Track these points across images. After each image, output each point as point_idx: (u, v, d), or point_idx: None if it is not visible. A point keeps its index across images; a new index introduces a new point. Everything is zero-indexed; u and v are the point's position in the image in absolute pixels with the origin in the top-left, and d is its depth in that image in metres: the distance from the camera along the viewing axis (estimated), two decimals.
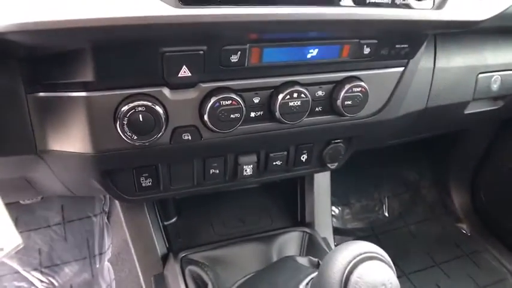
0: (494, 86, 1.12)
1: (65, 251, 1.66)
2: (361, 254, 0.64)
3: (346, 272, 0.62)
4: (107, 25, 0.57)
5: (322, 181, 1.32)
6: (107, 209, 1.73)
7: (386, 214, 2.07)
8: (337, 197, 2.02)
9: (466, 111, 1.16)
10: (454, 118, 1.21)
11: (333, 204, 2.04)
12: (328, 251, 1.15)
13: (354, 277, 0.62)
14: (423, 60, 0.98)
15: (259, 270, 1.04)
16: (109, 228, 1.71)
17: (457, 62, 1.05)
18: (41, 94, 0.71)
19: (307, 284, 0.79)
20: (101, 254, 1.68)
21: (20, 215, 1.66)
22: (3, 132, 0.73)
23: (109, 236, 1.69)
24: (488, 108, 1.20)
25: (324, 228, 1.29)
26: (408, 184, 2.15)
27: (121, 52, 0.65)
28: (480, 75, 1.09)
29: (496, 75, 1.12)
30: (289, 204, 1.37)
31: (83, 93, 0.69)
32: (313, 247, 1.20)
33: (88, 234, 1.70)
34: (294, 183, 1.34)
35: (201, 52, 0.69)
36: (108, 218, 1.73)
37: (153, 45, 0.66)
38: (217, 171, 0.93)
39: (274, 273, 0.95)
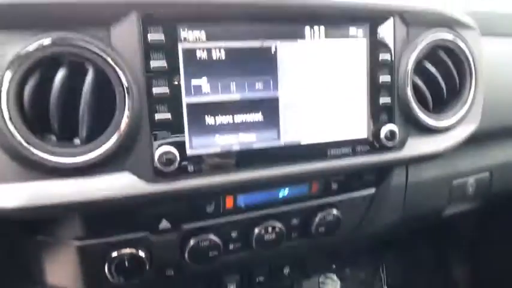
0: (470, 189, 1.18)
1: None
2: None
3: None
4: (91, 203, 0.65)
5: None
6: None
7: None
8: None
9: (444, 214, 1.21)
10: (432, 220, 1.26)
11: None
12: None
13: None
14: (395, 177, 1.05)
15: None
16: None
17: (429, 173, 1.11)
18: (39, 237, 0.80)
19: None
20: None
21: None
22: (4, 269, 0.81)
23: None
24: (467, 208, 1.25)
25: None
26: (407, 257, 2.16)
27: (106, 216, 0.74)
28: (454, 182, 1.15)
29: (471, 179, 1.18)
30: None
31: (76, 242, 0.77)
32: None
33: None
34: None
35: (178, 209, 0.77)
36: None
37: (134, 209, 0.74)
38: None
39: None
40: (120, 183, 0.66)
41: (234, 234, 0.86)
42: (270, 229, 0.86)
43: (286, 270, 1.05)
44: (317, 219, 0.90)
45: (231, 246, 0.87)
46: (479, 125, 0.96)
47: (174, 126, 0.68)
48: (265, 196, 0.84)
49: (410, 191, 1.08)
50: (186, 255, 0.82)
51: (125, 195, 0.66)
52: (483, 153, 1.20)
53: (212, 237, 0.82)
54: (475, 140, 1.02)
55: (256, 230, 0.86)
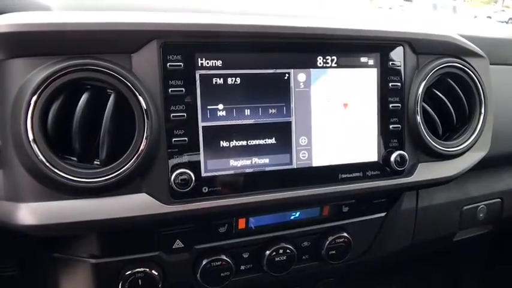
0: (481, 215, 1.18)
1: None
2: None
3: None
4: (108, 223, 0.68)
5: None
6: None
7: None
8: None
9: (455, 239, 1.21)
10: (443, 245, 1.26)
11: None
12: None
13: None
14: (405, 201, 1.06)
15: None
16: None
17: (440, 198, 1.12)
18: (55, 254, 0.82)
19: None
20: None
21: None
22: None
23: None
24: (477, 233, 1.25)
25: None
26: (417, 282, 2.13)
27: (122, 235, 0.76)
28: (465, 208, 1.16)
29: (482, 205, 1.18)
30: None
31: (91, 260, 0.80)
32: None
33: None
34: None
35: (192, 229, 0.79)
36: None
37: (150, 229, 0.77)
38: None
39: None
40: (137, 204, 0.68)
41: (245, 256, 0.88)
42: (281, 251, 0.88)
43: None
44: (327, 242, 0.91)
45: (242, 267, 0.89)
46: (489, 151, 0.97)
47: (190, 149, 0.71)
48: (277, 218, 0.86)
49: (421, 215, 1.09)
50: (198, 275, 0.83)
51: (141, 216, 0.68)
52: (494, 179, 1.21)
53: (224, 257, 0.84)
54: (485, 166, 1.03)
55: (267, 252, 0.87)
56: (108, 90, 0.67)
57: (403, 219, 1.06)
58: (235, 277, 0.87)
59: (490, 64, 0.97)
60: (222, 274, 0.84)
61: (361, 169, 0.83)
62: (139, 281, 0.79)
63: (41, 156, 0.63)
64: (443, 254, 1.72)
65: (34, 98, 0.62)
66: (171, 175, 0.69)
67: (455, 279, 2.00)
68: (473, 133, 0.93)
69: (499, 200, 1.21)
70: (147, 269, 0.80)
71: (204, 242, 0.83)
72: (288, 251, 0.88)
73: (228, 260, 0.84)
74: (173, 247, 0.80)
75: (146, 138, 0.67)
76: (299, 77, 0.77)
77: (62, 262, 0.83)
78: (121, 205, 0.68)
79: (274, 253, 0.87)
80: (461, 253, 1.71)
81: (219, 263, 0.84)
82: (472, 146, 0.93)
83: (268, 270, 0.88)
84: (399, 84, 0.85)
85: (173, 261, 0.82)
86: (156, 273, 0.80)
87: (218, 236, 0.83)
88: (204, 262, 0.83)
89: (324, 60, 0.78)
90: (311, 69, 0.78)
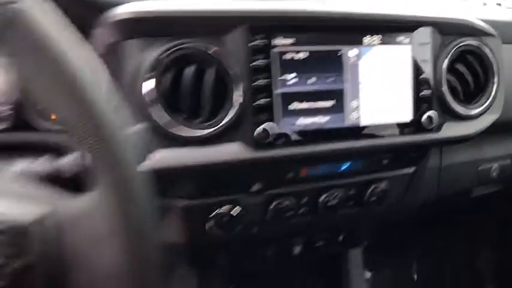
0: (494, 174, 1.38)
1: None
2: None
3: None
4: (211, 166, 0.88)
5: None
6: None
7: (415, 277, 2.24)
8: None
9: (472, 195, 1.42)
10: (463, 200, 1.47)
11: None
12: None
13: None
14: (431, 160, 1.26)
15: None
16: None
17: (459, 158, 1.32)
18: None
19: None
20: None
21: None
22: None
23: None
24: (492, 190, 1.46)
25: None
26: (436, 248, 2.31)
27: (211, 179, 0.97)
28: (480, 167, 1.36)
29: (495, 165, 1.38)
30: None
31: (184, 201, 1.00)
32: None
33: None
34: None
35: (266, 175, 1.00)
36: None
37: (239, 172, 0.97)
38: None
39: None
40: (232, 151, 0.89)
41: (304, 200, 1.08)
42: (332, 197, 1.08)
43: (340, 238, 1.27)
44: (369, 191, 1.12)
45: (302, 210, 1.09)
46: (501, 115, 1.17)
47: (268, 110, 0.91)
48: (331, 169, 1.07)
49: (444, 172, 1.29)
50: (269, 214, 1.04)
51: (235, 160, 0.89)
52: (505, 142, 1.40)
53: (289, 200, 1.04)
54: (497, 130, 1.22)
55: (322, 197, 1.08)
56: (207, 63, 0.87)
57: (429, 175, 1.26)
58: (296, 218, 1.08)
59: (502, 43, 1.17)
60: (286, 214, 1.05)
61: (399, 127, 1.03)
62: (223, 218, 1.00)
63: (159, 116, 0.83)
64: (462, 213, 1.90)
65: (151, 74, 0.82)
66: (255, 129, 0.90)
67: (472, 243, 2.18)
68: (488, 99, 1.13)
69: (509, 161, 1.41)
70: (230, 209, 1.01)
71: (274, 187, 1.04)
72: (338, 196, 1.09)
73: (292, 203, 1.05)
74: (251, 190, 1.01)
75: (236, 101, 0.88)
76: (350, 52, 0.97)
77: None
78: (220, 151, 0.88)
79: (327, 198, 1.08)
80: (478, 212, 1.91)
81: (285, 205, 1.04)
82: (487, 110, 1.13)
83: (322, 212, 1.09)
84: (428, 59, 1.05)
85: (250, 203, 1.03)
86: (236, 213, 1.01)
87: (285, 182, 1.04)
88: (273, 204, 1.04)
89: (370, 39, 0.98)
90: (360, 46, 0.98)
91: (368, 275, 2.24)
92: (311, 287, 1.63)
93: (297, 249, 1.22)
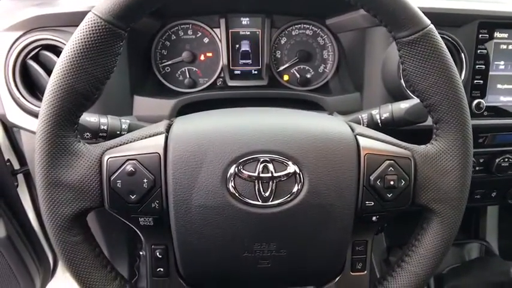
0: None
1: None
2: None
3: None
4: None
5: None
6: None
7: None
8: None
9: None
10: None
11: None
12: None
13: None
14: None
15: None
16: None
17: None
18: None
19: None
20: None
21: None
22: None
23: None
24: None
25: None
26: None
27: None
28: None
29: None
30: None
31: None
32: None
33: None
34: None
35: None
36: None
37: None
38: None
39: None
40: None
41: (481, 161, 1.35)
42: (505, 159, 1.35)
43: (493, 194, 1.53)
44: (497, 160, 1.35)
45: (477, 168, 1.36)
46: None
47: (483, 88, 1.18)
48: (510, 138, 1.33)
49: None
50: None
51: None
52: None
53: None
54: None
55: (497, 160, 1.34)
56: None
57: None
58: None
59: None
60: None
61: None
62: None
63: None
64: None
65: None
66: (472, 102, 1.17)
67: None
68: None
69: None
70: None
71: None
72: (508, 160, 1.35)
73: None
74: None
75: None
76: None
77: None
78: None
79: (501, 161, 1.35)
80: None
81: None
82: None
83: (495, 172, 1.35)
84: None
85: None
86: None
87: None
88: None
89: None
90: None
91: None
92: None
93: None
